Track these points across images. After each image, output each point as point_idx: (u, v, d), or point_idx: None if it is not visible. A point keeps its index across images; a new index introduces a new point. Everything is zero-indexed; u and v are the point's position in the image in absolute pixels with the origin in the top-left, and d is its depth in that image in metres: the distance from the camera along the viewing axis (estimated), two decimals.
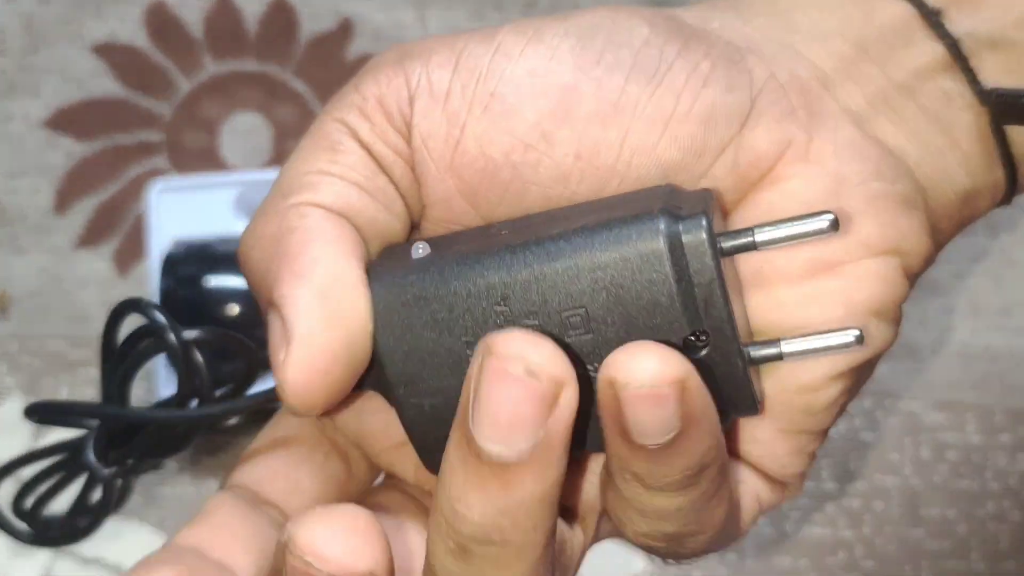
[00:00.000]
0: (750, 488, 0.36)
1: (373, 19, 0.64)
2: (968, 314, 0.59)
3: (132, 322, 0.40)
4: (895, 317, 0.35)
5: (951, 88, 0.36)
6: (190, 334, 0.39)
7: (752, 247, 0.32)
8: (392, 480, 0.39)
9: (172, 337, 0.38)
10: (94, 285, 0.60)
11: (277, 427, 0.38)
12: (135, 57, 0.64)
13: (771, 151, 0.34)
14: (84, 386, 0.59)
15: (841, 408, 0.36)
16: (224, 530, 0.36)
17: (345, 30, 0.64)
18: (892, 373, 0.58)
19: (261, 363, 0.40)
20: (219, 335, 0.40)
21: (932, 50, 0.36)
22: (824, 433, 0.36)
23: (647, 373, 0.29)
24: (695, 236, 0.32)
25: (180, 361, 0.38)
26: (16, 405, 0.59)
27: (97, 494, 0.47)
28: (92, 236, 0.61)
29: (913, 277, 0.35)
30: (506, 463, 0.30)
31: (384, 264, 0.34)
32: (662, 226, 0.32)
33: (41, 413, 0.41)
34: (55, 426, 0.47)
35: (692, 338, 0.32)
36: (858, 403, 0.58)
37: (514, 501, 0.30)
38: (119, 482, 0.44)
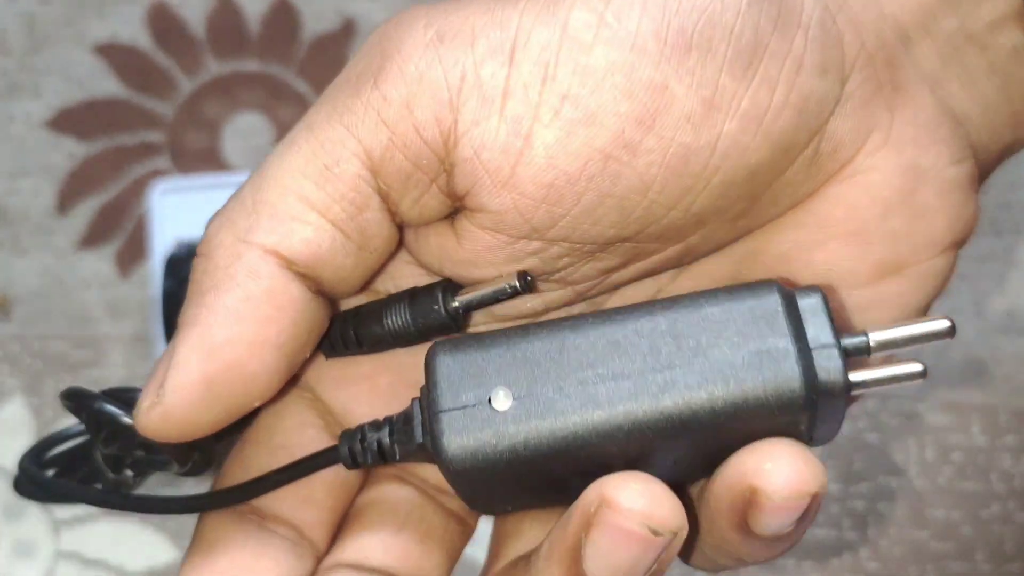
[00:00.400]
0: None
1: (376, 19, 0.63)
2: (973, 316, 0.59)
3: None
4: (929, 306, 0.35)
5: (1020, 42, 0.34)
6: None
7: (867, 351, 0.31)
8: (401, 471, 0.37)
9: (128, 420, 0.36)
10: (96, 286, 0.60)
11: (271, 434, 0.36)
12: (137, 57, 0.64)
13: (854, 139, 0.32)
14: (86, 386, 0.59)
15: None
16: (236, 572, 0.33)
17: (348, 30, 0.63)
18: None
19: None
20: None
21: (1008, 2, 0.34)
22: None
23: (793, 486, 0.29)
24: (833, 369, 0.30)
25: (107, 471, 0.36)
26: (18, 406, 0.59)
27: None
28: (94, 237, 0.61)
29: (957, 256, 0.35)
30: None
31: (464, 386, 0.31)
32: (798, 366, 0.29)
33: (31, 488, 0.40)
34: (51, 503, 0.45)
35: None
36: (862, 405, 0.58)
37: None
38: (125, 483, 0.43)
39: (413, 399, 0.32)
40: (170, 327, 0.40)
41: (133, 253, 0.61)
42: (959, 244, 0.34)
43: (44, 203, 0.61)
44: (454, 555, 0.36)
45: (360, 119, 0.31)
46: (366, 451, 0.33)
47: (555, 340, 0.31)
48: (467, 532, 0.36)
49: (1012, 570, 0.56)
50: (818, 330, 0.30)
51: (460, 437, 0.30)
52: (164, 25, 0.64)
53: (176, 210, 0.58)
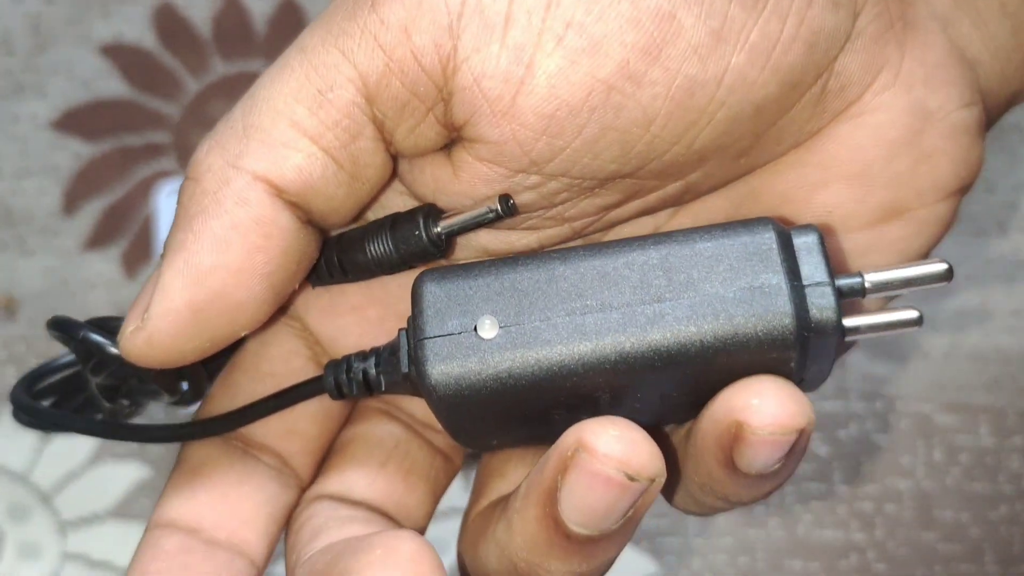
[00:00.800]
0: None
1: None
2: (980, 316, 0.59)
3: None
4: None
5: None
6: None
7: (861, 292, 0.31)
8: (388, 406, 0.36)
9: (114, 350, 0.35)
10: (102, 287, 0.60)
11: (257, 360, 0.35)
12: (143, 58, 0.63)
13: (863, 77, 0.32)
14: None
15: None
16: (224, 500, 0.33)
17: None
18: (904, 375, 0.58)
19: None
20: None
21: None
22: None
23: (779, 421, 0.29)
24: (826, 306, 0.30)
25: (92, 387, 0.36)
26: None
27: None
28: (100, 238, 0.61)
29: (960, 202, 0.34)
30: (593, 538, 0.29)
31: (448, 314, 0.31)
32: (790, 305, 0.29)
33: (30, 416, 0.39)
34: (49, 431, 0.44)
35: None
36: (870, 405, 0.58)
37: (596, 564, 0.30)
38: (121, 412, 0.41)
39: (400, 329, 0.32)
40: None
41: (139, 254, 0.60)
42: (963, 190, 0.33)
43: (50, 204, 0.61)
44: (438, 491, 0.35)
45: (356, 43, 0.29)
46: (351, 381, 0.33)
47: (544, 270, 0.30)
48: (452, 469, 0.36)
49: (1021, 572, 0.56)
50: (812, 268, 0.30)
51: (444, 364, 0.30)
52: (170, 25, 0.64)
53: None
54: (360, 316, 0.35)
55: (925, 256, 0.34)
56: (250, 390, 0.35)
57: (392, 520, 0.34)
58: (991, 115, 0.35)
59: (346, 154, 0.30)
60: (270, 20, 0.64)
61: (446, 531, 0.30)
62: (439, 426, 0.33)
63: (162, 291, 0.30)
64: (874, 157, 0.32)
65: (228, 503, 0.33)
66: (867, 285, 0.31)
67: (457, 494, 0.38)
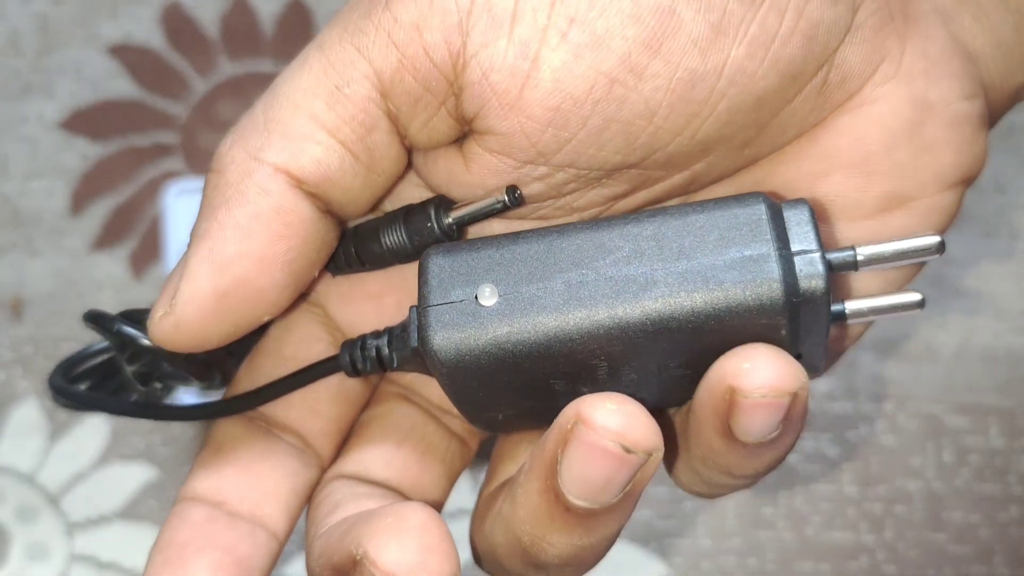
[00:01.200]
0: None
1: None
2: (990, 317, 0.59)
3: None
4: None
5: None
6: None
7: (852, 266, 0.32)
8: (406, 391, 0.37)
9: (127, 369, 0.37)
10: (110, 287, 0.60)
11: (280, 344, 0.36)
12: (150, 58, 0.63)
13: (864, 70, 0.32)
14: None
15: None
16: (246, 475, 0.34)
17: None
18: (914, 376, 0.58)
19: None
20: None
21: None
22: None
23: (770, 383, 0.29)
24: (814, 274, 0.30)
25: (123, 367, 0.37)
26: (32, 407, 0.59)
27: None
28: (108, 238, 0.61)
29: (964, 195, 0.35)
30: (593, 512, 0.30)
31: (449, 285, 0.32)
32: (777, 268, 0.30)
33: (65, 397, 0.40)
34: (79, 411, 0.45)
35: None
36: (879, 406, 0.58)
37: (596, 538, 0.31)
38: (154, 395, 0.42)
39: (411, 307, 0.33)
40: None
41: (147, 254, 0.60)
42: (966, 182, 0.34)
43: (57, 204, 0.61)
44: (453, 473, 0.37)
45: (371, 40, 0.31)
46: (365, 359, 0.34)
47: (543, 243, 0.31)
48: (467, 454, 0.37)
49: None
50: (802, 238, 0.31)
51: (445, 330, 0.31)
52: (178, 25, 0.64)
53: (190, 211, 0.58)
54: (378, 303, 0.36)
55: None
56: (274, 374, 0.36)
57: (408, 498, 0.35)
58: (994, 110, 0.36)
59: (362, 147, 0.31)
60: (278, 20, 0.64)
61: (456, 532, 0.30)
62: (454, 410, 0.35)
63: (188, 278, 0.31)
64: (875, 147, 0.33)
65: (251, 478, 0.34)
66: (859, 258, 0.31)
67: (466, 496, 0.38)
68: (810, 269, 0.30)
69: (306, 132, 0.31)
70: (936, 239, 0.32)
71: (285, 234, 0.31)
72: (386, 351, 0.34)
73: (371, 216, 0.35)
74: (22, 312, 0.60)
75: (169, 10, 0.64)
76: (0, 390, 0.59)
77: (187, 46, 0.63)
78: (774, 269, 0.30)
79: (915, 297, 0.32)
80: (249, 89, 0.63)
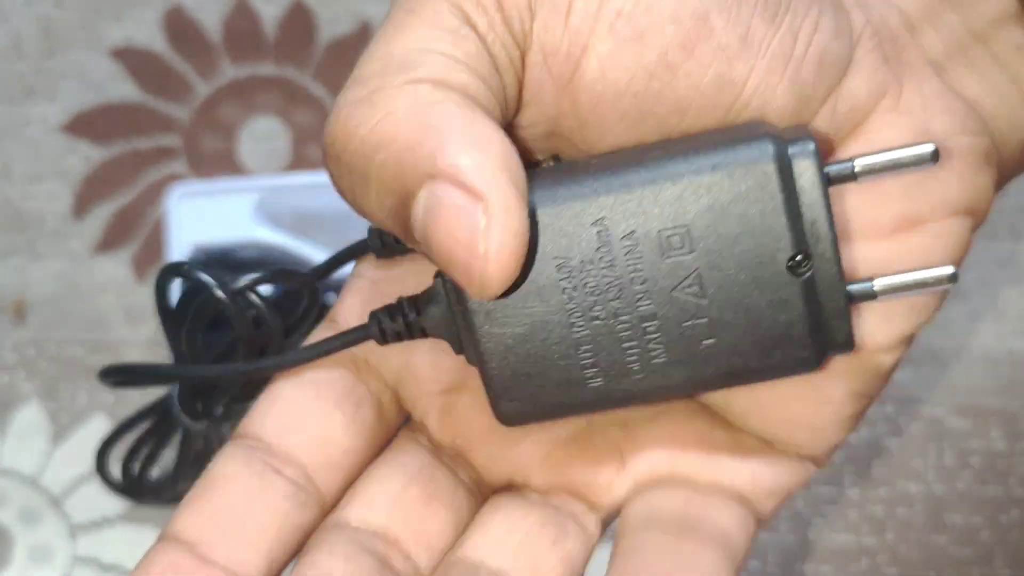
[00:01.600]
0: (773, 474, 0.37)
1: None
2: (992, 319, 0.59)
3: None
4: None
5: (1022, 40, 0.36)
6: (241, 281, 0.37)
7: (851, 177, 0.32)
8: (414, 432, 0.38)
9: (220, 293, 0.37)
10: (112, 290, 0.60)
11: (304, 370, 0.37)
12: (153, 61, 0.63)
13: (868, 101, 0.34)
14: (102, 391, 0.59)
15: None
16: (229, 517, 0.34)
17: (364, 33, 0.63)
18: (915, 379, 0.58)
19: (316, 293, 0.39)
20: (272, 273, 0.38)
21: (1005, 2, 0.35)
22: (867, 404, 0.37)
23: None
24: (804, 156, 0.32)
25: (235, 314, 0.37)
26: (35, 410, 0.59)
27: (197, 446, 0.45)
28: (110, 241, 0.61)
29: (974, 234, 0.36)
30: None
31: None
32: (771, 146, 0.31)
33: (117, 376, 0.40)
34: (132, 388, 0.45)
35: (795, 261, 0.32)
36: (881, 409, 0.58)
37: None
38: (215, 432, 0.43)
39: (436, 274, 0.34)
40: (160, 316, 0.40)
41: (150, 257, 0.60)
42: (973, 214, 0.35)
43: (60, 207, 0.61)
44: (460, 522, 0.36)
45: (462, 1, 0.31)
46: (393, 321, 0.35)
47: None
48: (475, 503, 0.37)
49: None
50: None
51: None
52: (180, 29, 0.64)
53: (193, 214, 0.58)
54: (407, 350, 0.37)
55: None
56: (293, 399, 0.36)
57: (408, 549, 0.35)
58: (1005, 160, 0.37)
59: (495, 84, 0.32)
60: (280, 23, 0.64)
61: None
62: (468, 454, 0.36)
63: (485, 189, 0.29)
64: None
65: (233, 521, 0.34)
66: (856, 169, 0.32)
67: None
68: (800, 146, 0.32)
69: (442, 63, 0.31)
70: (931, 147, 0.32)
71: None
72: (414, 315, 0.34)
73: None
74: (25, 315, 0.60)
75: (171, 13, 0.64)
76: (3, 393, 0.59)
77: (189, 49, 0.64)
78: (767, 142, 0.31)
79: (947, 271, 0.33)
80: (251, 92, 0.63)
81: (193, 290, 0.38)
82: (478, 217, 0.29)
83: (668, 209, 0.32)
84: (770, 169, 0.31)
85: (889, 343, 0.35)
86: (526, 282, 0.32)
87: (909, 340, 0.36)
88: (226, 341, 0.38)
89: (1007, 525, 0.56)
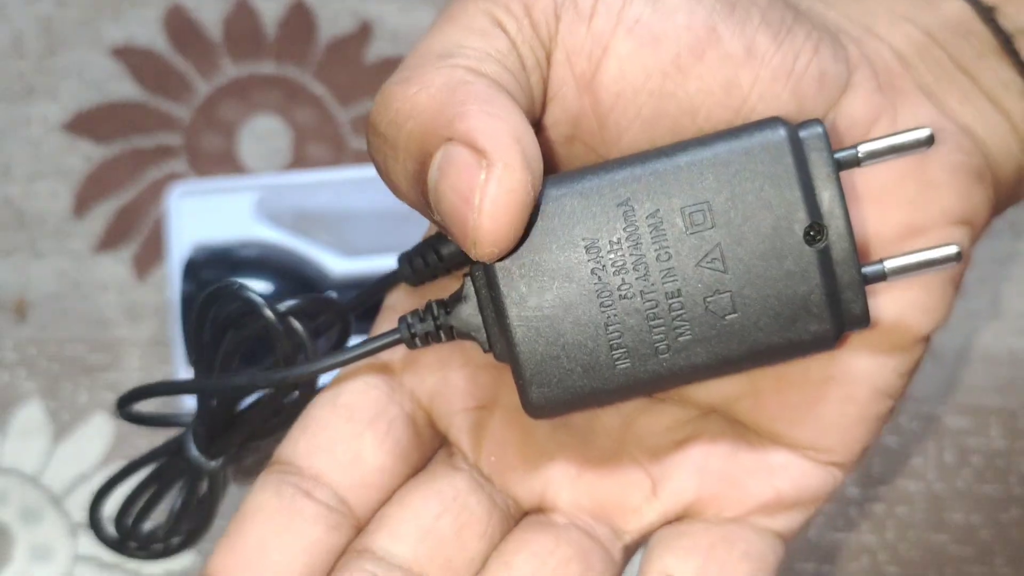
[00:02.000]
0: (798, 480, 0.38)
1: (392, 21, 0.63)
2: (992, 318, 0.59)
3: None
4: (959, 286, 0.38)
5: (1007, 77, 0.37)
6: (283, 306, 0.37)
7: (856, 162, 0.34)
8: (451, 455, 0.38)
9: (269, 313, 0.37)
10: (113, 289, 0.60)
11: (337, 393, 0.38)
12: (153, 60, 0.63)
13: (865, 120, 0.36)
14: (103, 390, 0.59)
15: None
16: (260, 553, 0.35)
17: (364, 32, 0.63)
18: (915, 378, 0.58)
19: (348, 322, 0.40)
20: (310, 301, 0.38)
21: (988, 41, 0.37)
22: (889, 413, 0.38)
23: None
24: (814, 137, 0.33)
25: (281, 337, 0.37)
26: (35, 409, 0.59)
27: (203, 488, 0.44)
28: (111, 240, 0.61)
29: (973, 247, 0.38)
30: None
31: None
32: (782, 127, 0.33)
33: (134, 401, 0.40)
34: (148, 423, 0.44)
35: (811, 231, 0.33)
36: None
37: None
38: (224, 474, 0.42)
39: (464, 275, 0.35)
40: (188, 333, 0.40)
41: (150, 256, 0.61)
42: (971, 225, 0.37)
43: (61, 206, 0.61)
44: (491, 550, 0.37)
45: (492, 6, 0.34)
46: (423, 323, 0.35)
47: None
48: (508, 528, 0.38)
49: None
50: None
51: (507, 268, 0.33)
52: (180, 28, 0.64)
53: (194, 213, 0.58)
54: (443, 370, 0.39)
55: (961, 275, 0.37)
56: (325, 421, 0.38)
57: None
58: (1001, 183, 0.38)
59: (522, 81, 0.34)
60: (280, 22, 0.64)
61: None
62: (501, 475, 0.37)
63: (492, 150, 0.31)
64: (887, 180, 0.36)
65: (262, 557, 0.35)
66: (860, 154, 0.34)
67: None
68: (810, 125, 0.33)
69: (476, 55, 0.33)
70: (926, 132, 0.34)
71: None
72: (444, 314, 0.35)
73: None
74: (26, 314, 0.60)
75: (171, 12, 0.64)
76: (4, 391, 0.59)
77: (190, 48, 0.64)
78: (779, 123, 0.33)
79: (952, 249, 0.34)
80: (251, 91, 0.63)
81: (237, 311, 0.38)
82: (479, 171, 0.30)
83: (689, 187, 0.33)
84: (783, 145, 0.33)
85: (907, 342, 0.37)
86: (555, 265, 0.33)
87: (926, 341, 0.37)
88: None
89: (1007, 523, 0.56)
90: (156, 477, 0.43)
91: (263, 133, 0.62)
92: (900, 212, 0.36)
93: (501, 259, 0.33)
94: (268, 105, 0.63)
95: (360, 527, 0.36)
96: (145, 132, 0.62)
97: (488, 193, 0.30)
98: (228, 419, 0.40)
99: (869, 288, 0.35)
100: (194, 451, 0.40)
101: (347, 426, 0.37)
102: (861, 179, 0.36)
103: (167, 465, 0.43)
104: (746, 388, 0.37)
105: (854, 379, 0.37)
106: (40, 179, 0.62)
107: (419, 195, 0.33)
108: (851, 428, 0.38)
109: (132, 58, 0.63)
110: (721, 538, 0.37)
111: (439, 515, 0.36)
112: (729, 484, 0.38)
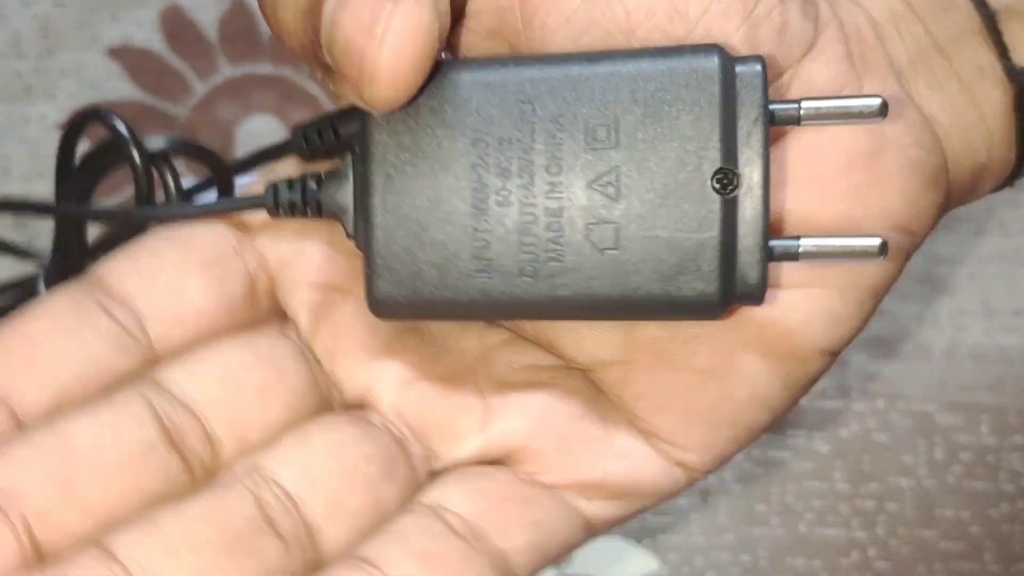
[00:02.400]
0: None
1: None
2: (981, 315, 0.59)
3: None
4: (879, 300, 0.34)
5: (984, 60, 0.35)
6: (159, 144, 0.34)
7: (795, 119, 0.31)
8: (280, 327, 0.35)
9: (135, 152, 0.35)
10: None
11: (179, 229, 0.34)
12: (150, 60, 0.64)
13: (825, 89, 0.32)
14: None
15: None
16: (24, 346, 0.31)
17: None
18: (905, 374, 0.58)
19: (228, 179, 0.37)
20: (187, 145, 0.36)
21: (971, 17, 0.35)
22: (757, 430, 0.35)
23: None
24: (751, 74, 0.30)
25: (141, 174, 0.35)
26: None
27: None
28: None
29: (907, 258, 0.35)
30: None
31: None
32: (717, 56, 0.30)
33: None
34: (9, 213, 0.42)
35: (722, 176, 0.30)
36: (871, 404, 0.58)
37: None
38: None
39: (345, 153, 0.32)
40: (58, 162, 0.38)
41: None
42: (911, 234, 0.34)
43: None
44: (293, 425, 0.34)
45: None
46: (291, 200, 0.33)
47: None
48: (320, 412, 0.35)
49: (1021, 570, 0.56)
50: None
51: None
52: (177, 28, 0.64)
53: None
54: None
55: (876, 288, 0.34)
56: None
57: (214, 431, 0.33)
58: (956, 184, 0.36)
59: None
60: None
61: None
62: (331, 362, 0.34)
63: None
64: (832, 166, 0.33)
65: (34, 354, 0.32)
66: (802, 111, 0.31)
67: None
68: (749, 61, 0.30)
69: None
70: (878, 100, 0.31)
71: None
72: (315, 186, 0.32)
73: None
74: None
75: (168, 12, 0.64)
76: None
77: (187, 48, 0.64)
78: (716, 50, 0.30)
79: (874, 241, 0.31)
80: (248, 91, 0.63)
81: (104, 147, 0.35)
82: (385, 2, 0.28)
83: (600, 98, 0.29)
84: (714, 74, 0.29)
85: (805, 351, 0.33)
86: (436, 152, 0.30)
87: (829, 356, 0.34)
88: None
89: (996, 519, 0.57)
90: (8, 311, 0.43)
91: (259, 133, 0.63)
92: (841, 202, 0.32)
93: (389, 117, 0.30)
94: (264, 105, 0.63)
95: (152, 362, 0.33)
96: (142, 132, 0.63)
97: (393, 25, 0.27)
98: (80, 255, 0.38)
99: (778, 273, 0.32)
100: (43, 291, 0.39)
101: (177, 259, 0.33)
102: (808, 154, 0.32)
103: (19, 301, 0.41)
104: (619, 355, 0.34)
105: (736, 377, 0.33)
106: (38, 178, 0.62)
107: (309, 31, 0.29)
108: (716, 431, 0.34)
109: (129, 58, 0.64)
110: (521, 497, 0.34)
111: (248, 368, 0.33)
112: (561, 448, 0.35)
